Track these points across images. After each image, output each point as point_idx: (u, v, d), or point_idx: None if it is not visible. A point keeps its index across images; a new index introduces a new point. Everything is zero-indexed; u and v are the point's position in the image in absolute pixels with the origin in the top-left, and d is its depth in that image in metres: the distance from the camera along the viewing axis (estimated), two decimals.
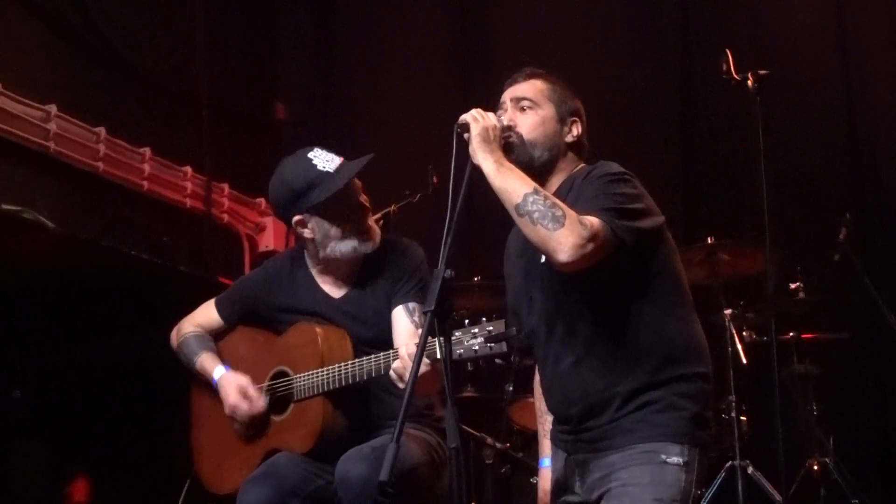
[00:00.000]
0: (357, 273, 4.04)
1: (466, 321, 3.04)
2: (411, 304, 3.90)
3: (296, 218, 3.94)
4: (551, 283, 3.25)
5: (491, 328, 2.99)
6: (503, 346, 2.99)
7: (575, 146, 3.41)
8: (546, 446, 3.53)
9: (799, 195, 6.67)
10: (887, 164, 6.59)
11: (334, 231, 3.92)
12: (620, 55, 7.23)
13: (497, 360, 3.04)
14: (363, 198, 3.99)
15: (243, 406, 3.97)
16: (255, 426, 4.03)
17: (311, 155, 3.93)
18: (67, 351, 6.14)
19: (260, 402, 3.98)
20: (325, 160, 3.91)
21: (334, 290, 4.05)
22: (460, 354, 3.00)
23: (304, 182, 3.89)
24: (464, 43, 7.68)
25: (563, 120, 3.39)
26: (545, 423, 3.54)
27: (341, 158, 3.96)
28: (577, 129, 3.41)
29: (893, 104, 6.60)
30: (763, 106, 5.01)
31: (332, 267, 4.04)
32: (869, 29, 6.73)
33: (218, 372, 4.07)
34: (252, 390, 3.98)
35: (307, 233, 3.96)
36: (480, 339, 2.99)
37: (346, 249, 3.94)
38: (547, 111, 3.38)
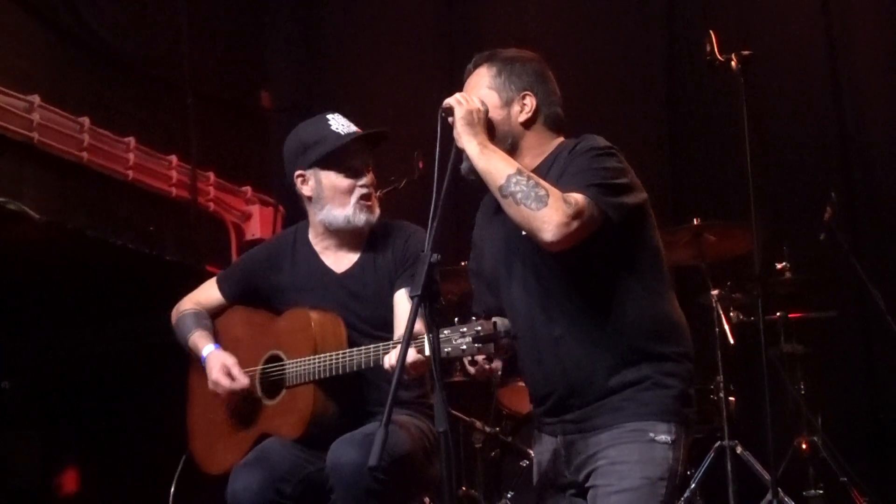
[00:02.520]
0: (360, 251, 4.04)
1: (456, 319, 3.04)
2: None
3: (297, 172, 3.99)
4: (532, 256, 3.25)
5: (479, 328, 3.00)
6: (490, 347, 3.00)
7: (533, 121, 3.35)
8: None
9: (784, 175, 6.69)
10: (872, 144, 6.61)
11: (329, 192, 3.94)
12: (606, 36, 7.23)
13: (484, 361, 3.06)
14: (369, 174, 3.99)
15: (224, 382, 3.95)
16: (246, 407, 4.03)
17: (329, 116, 3.99)
18: (55, 340, 6.15)
19: (242, 380, 3.95)
20: (340, 124, 3.97)
21: (336, 266, 4.05)
22: (448, 353, 3.01)
23: (314, 137, 3.95)
24: (449, 27, 7.68)
25: (509, 102, 3.33)
26: None
27: (359, 130, 4.00)
28: (530, 103, 3.34)
29: (878, 84, 6.62)
30: (747, 87, 5.03)
31: (331, 237, 4.04)
32: (854, 7, 6.74)
33: (207, 350, 4.05)
34: (236, 370, 3.96)
35: (306, 189, 3.99)
36: (469, 339, 3.00)
37: (339, 217, 3.95)
38: (490, 101, 3.32)
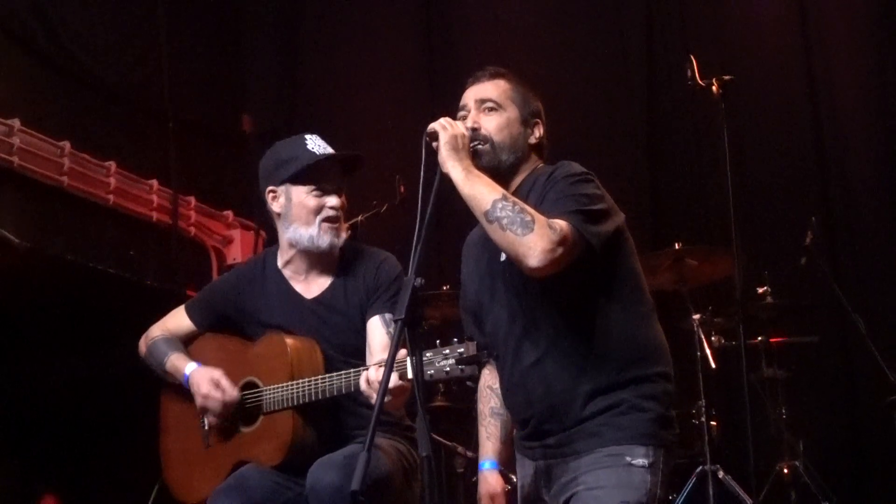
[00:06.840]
0: (331, 276, 4.02)
1: (438, 341, 3.04)
2: (388, 315, 3.88)
3: (269, 188, 3.99)
4: (512, 280, 3.26)
5: (462, 350, 3.00)
6: (474, 369, 3.00)
7: (537, 147, 3.43)
8: (488, 448, 3.55)
9: (765, 199, 6.71)
10: (852, 167, 6.63)
11: (296, 210, 3.93)
12: (586, 61, 7.25)
13: (468, 383, 3.05)
14: (340, 197, 3.98)
15: (216, 394, 3.92)
16: (222, 435, 4.00)
17: (307, 136, 4.00)
18: (34, 367, 6.09)
19: (233, 392, 3.93)
20: (317, 144, 3.97)
21: (306, 291, 4.03)
22: (431, 375, 3.01)
23: (289, 155, 3.96)
24: (430, 53, 7.70)
25: (526, 122, 3.41)
26: (488, 425, 3.57)
27: (335, 152, 4.00)
28: (539, 131, 3.43)
29: (858, 107, 6.66)
30: (727, 111, 5.05)
31: (300, 261, 4.02)
32: (833, 33, 6.78)
33: (190, 367, 4.03)
34: (225, 381, 3.93)
35: (276, 206, 3.99)
36: (451, 361, 3.00)
37: (304, 236, 3.93)
38: (511, 113, 3.39)
